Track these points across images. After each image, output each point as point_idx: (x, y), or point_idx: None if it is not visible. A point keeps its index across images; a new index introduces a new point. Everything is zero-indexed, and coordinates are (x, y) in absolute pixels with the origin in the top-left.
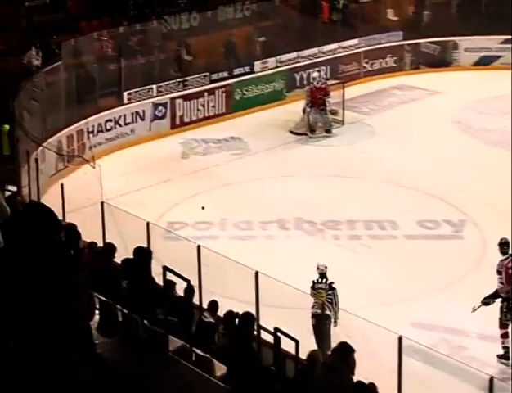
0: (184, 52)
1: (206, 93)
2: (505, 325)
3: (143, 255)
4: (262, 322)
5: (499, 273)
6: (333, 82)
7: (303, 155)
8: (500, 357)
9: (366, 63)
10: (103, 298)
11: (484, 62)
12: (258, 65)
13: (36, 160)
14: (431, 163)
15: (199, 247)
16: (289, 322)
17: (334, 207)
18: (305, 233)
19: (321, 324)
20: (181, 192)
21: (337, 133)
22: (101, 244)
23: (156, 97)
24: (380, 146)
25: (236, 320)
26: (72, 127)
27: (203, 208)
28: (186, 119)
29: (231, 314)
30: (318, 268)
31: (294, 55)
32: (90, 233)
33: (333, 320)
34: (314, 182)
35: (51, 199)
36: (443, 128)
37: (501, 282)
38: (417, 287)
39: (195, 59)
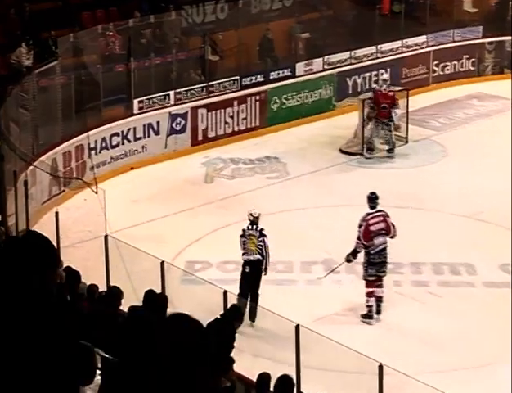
0: (209, 51)
1: (236, 102)
2: (370, 283)
3: (155, 302)
4: (303, 389)
5: (359, 226)
6: (394, 89)
7: (355, 181)
8: (362, 317)
9: (437, 66)
10: (106, 355)
11: None
12: (300, 67)
13: (25, 182)
14: None
15: (225, 293)
16: (336, 390)
17: (394, 245)
18: (358, 278)
19: (254, 271)
20: (203, 225)
21: (399, 152)
22: (104, 288)
23: (174, 106)
24: (453, 170)
25: (272, 385)
26: (70, 142)
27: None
28: (211, 134)
29: (265, 378)
30: (250, 215)
31: (345, 55)
32: (91, 275)
33: (263, 267)
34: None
35: (42, 230)
36: None
37: (358, 237)
38: (501, 348)
39: (223, 59)
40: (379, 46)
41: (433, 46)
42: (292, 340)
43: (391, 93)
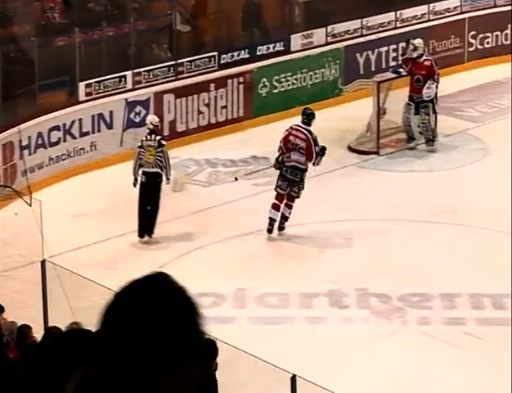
0: (177, 19)
1: (213, 86)
2: (278, 196)
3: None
4: None
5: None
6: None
7: (370, 187)
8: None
9: (474, 38)
10: None
11: None
12: (296, 39)
13: None
14: None
15: None
16: None
17: (421, 272)
18: (373, 314)
19: (153, 184)
20: (170, 247)
21: (421, 151)
22: (41, 329)
23: (132, 90)
24: (496, 173)
25: None
26: None
27: (236, 179)
28: (181, 128)
29: None
30: (150, 124)
31: (355, 24)
32: (22, 310)
33: (165, 178)
34: (388, 230)
35: None
36: None
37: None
38: None
39: (196, 30)
40: (398, 12)
41: (469, 11)
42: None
43: (427, 62)
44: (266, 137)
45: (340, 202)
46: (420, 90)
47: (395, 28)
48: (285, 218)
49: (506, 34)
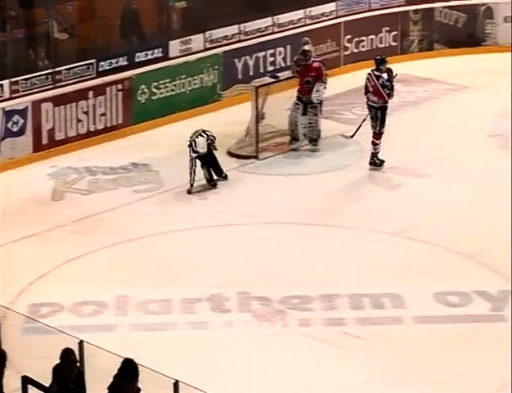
0: (55, 27)
1: (91, 93)
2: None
3: None
4: None
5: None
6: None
7: (249, 192)
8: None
9: (349, 42)
10: None
11: None
12: (175, 46)
13: None
14: (454, 201)
15: (81, 344)
16: None
17: (300, 274)
18: (254, 317)
19: None
20: (52, 256)
21: (303, 154)
22: None
23: (9, 100)
24: (375, 175)
25: None
26: None
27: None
28: (59, 136)
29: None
30: None
31: (233, 29)
32: None
33: None
34: (268, 234)
35: None
36: (474, 145)
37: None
38: None
39: (73, 38)
40: (275, 17)
41: (344, 16)
42: None
43: (316, 64)
44: (145, 144)
45: (220, 207)
46: (309, 92)
47: (272, 33)
48: (372, 154)
49: (381, 38)
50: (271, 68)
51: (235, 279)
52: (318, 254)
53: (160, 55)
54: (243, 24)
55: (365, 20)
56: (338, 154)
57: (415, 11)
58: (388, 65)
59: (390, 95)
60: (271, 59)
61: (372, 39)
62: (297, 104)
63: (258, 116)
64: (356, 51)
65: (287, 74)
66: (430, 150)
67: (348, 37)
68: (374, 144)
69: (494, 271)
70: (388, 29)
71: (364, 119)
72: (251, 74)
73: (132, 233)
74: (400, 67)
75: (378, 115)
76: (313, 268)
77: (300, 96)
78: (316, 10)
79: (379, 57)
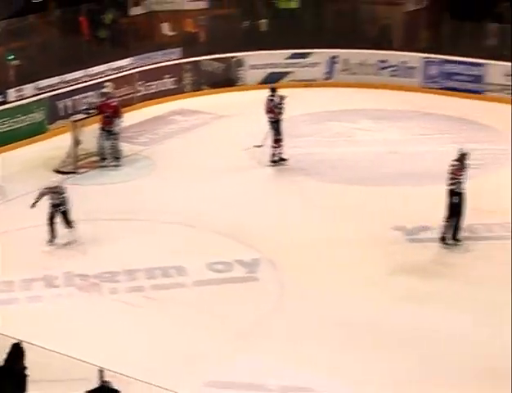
0: None
1: None
2: None
3: None
4: None
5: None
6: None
7: (72, 198)
8: None
9: (141, 86)
10: None
11: (272, 80)
12: (11, 93)
13: None
14: (220, 197)
15: None
16: None
17: (109, 256)
18: (77, 290)
19: None
20: None
21: (107, 170)
22: None
23: None
24: (161, 182)
25: None
26: None
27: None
28: None
29: None
30: None
31: (55, 80)
32: None
33: None
34: (87, 228)
35: None
36: (231, 157)
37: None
38: (210, 339)
39: None
40: (87, 70)
41: (137, 67)
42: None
43: (114, 103)
44: None
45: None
46: (110, 123)
47: (86, 81)
48: (273, 154)
49: (164, 82)
50: (84, 107)
51: (58, 262)
52: (125, 239)
53: (1, 100)
54: (63, 76)
55: (152, 69)
56: (134, 168)
57: (188, 63)
58: (279, 93)
59: (280, 113)
60: (85, 100)
61: (158, 83)
62: (102, 133)
63: (76, 142)
64: (145, 92)
65: (95, 111)
66: (204, 160)
67: (140, 82)
68: (273, 147)
69: (248, 245)
70: (168, 75)
71: (267, 133)
72: (70, 112)
73: None
74: (177, 103)
75: (274, 127)
76: (120, 253)
77: (103, 126)
78: (117, 64)
79: (271, 87)
